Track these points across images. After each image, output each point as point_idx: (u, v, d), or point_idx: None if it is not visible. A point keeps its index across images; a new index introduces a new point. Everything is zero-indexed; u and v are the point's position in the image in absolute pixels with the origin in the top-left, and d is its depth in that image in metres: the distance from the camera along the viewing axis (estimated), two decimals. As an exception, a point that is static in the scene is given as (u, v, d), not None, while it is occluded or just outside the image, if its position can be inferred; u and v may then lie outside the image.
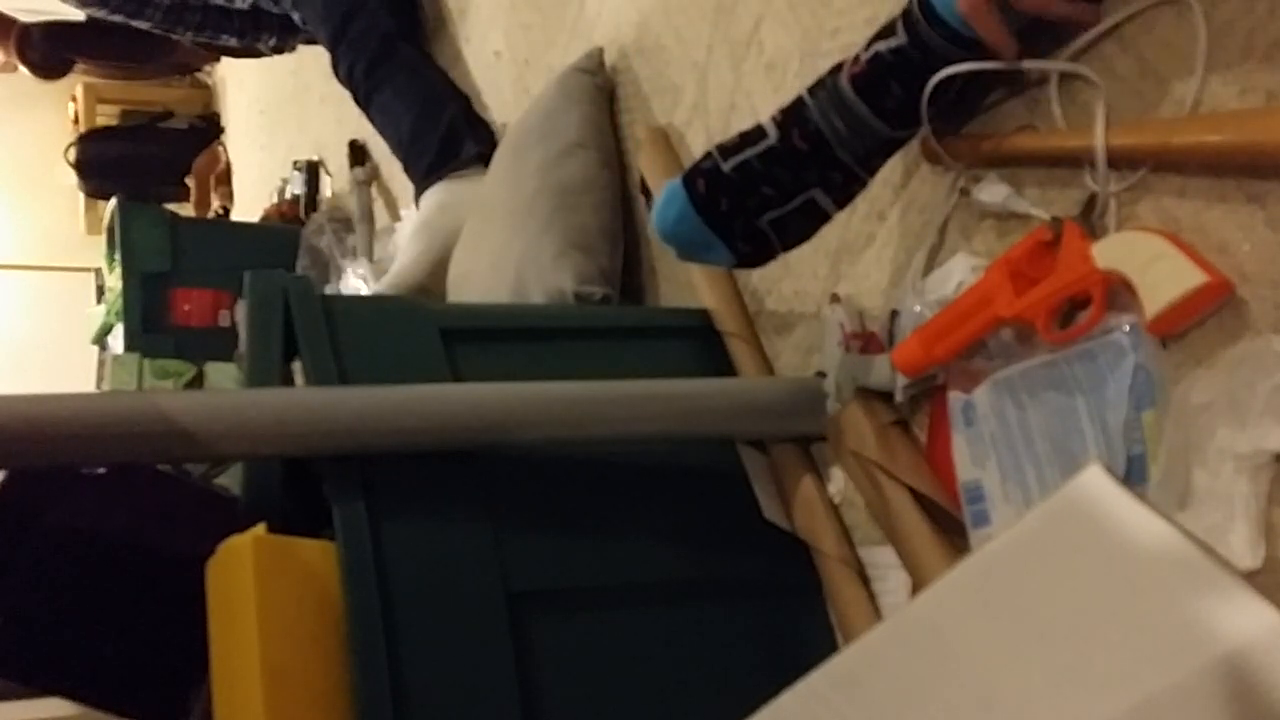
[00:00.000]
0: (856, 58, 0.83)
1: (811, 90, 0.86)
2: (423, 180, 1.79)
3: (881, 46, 0.81)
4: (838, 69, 0.84)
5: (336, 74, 1.97)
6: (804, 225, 0.91)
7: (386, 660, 0.81)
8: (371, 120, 2.00)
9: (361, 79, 1.91)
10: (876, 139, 0.84)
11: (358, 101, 1.98)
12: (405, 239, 1.97)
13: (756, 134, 0.87)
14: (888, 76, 0.82)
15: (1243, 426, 0.65)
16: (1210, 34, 0.70)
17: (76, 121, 4.46)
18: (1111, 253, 0.73)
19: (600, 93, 1.41)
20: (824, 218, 0.90)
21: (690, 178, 0.90)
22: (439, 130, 1.77)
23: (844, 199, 0.89)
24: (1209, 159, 0.70)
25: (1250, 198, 0.68)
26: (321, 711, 0.80)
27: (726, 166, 0.88)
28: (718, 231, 0.90)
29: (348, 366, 0.96)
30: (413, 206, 1.87)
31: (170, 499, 0.98)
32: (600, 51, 1.43)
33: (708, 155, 0.89)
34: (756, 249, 0.91)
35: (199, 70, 4.48)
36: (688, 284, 1.19)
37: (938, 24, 0.78)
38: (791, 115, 0.86)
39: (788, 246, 0.92)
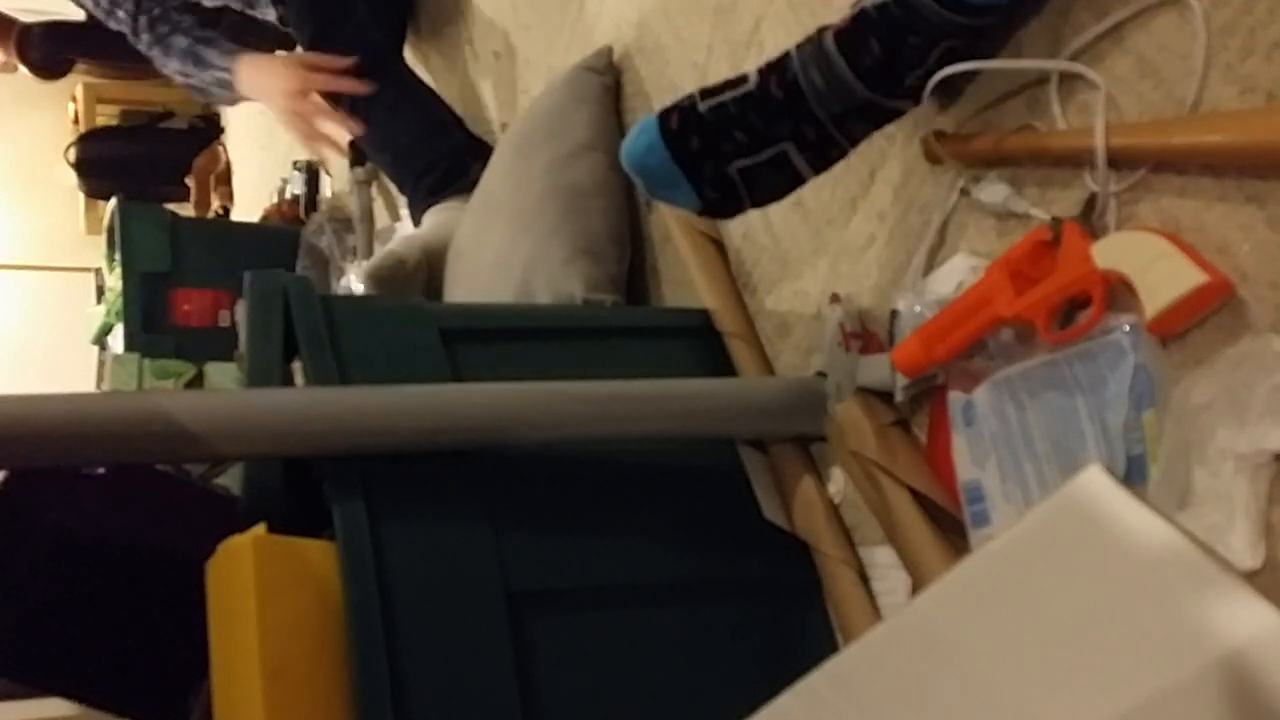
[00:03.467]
0: (845, 14, 0.83)
1: (800, 45, 0.86)
2: (425, 200, 1.76)
3: (868, 2, 0.82)
4: (827, 26, 0.84)
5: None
6: (774, 180, 0.90)
7: (386, 660, 0.81)
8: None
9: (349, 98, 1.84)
10: (852, 99, 0.84)
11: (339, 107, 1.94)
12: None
13: (739, 80, 0.87)
14: (869, 34, 0.81)
15: (1243, 426, 0.65)
16: (1210, 34, 0.70)
17: (76, 121, 4.45)
18: (1111, 253, 0.73)
19: (608, 93, 1.40)
20: (797, 178, 0.90)
21: (667, 112, 0.90)
22: (444, 153, 1.73)
23: (820, 163, 0.89)
24: (1209, 159, 0.70)
25: (1250, 198, 0.68)
26: (321, 711, 0.80)
27: (703, 107, 0.88)
28: (686, 172, 0.89)
29: (348, 366, 0.96)
30: (411, 226, 1.86)
31: (170, 499, 0.98)
32: (609, 51, 1.43)
33: (690, 94, 0.89)
34: (724, 197, 0.91)
35: (199, 70, 4.47)
36: (688, 284, 1.19)
37: None
38: (775, 65, 0.86)
39: (756, 201, 0.92)
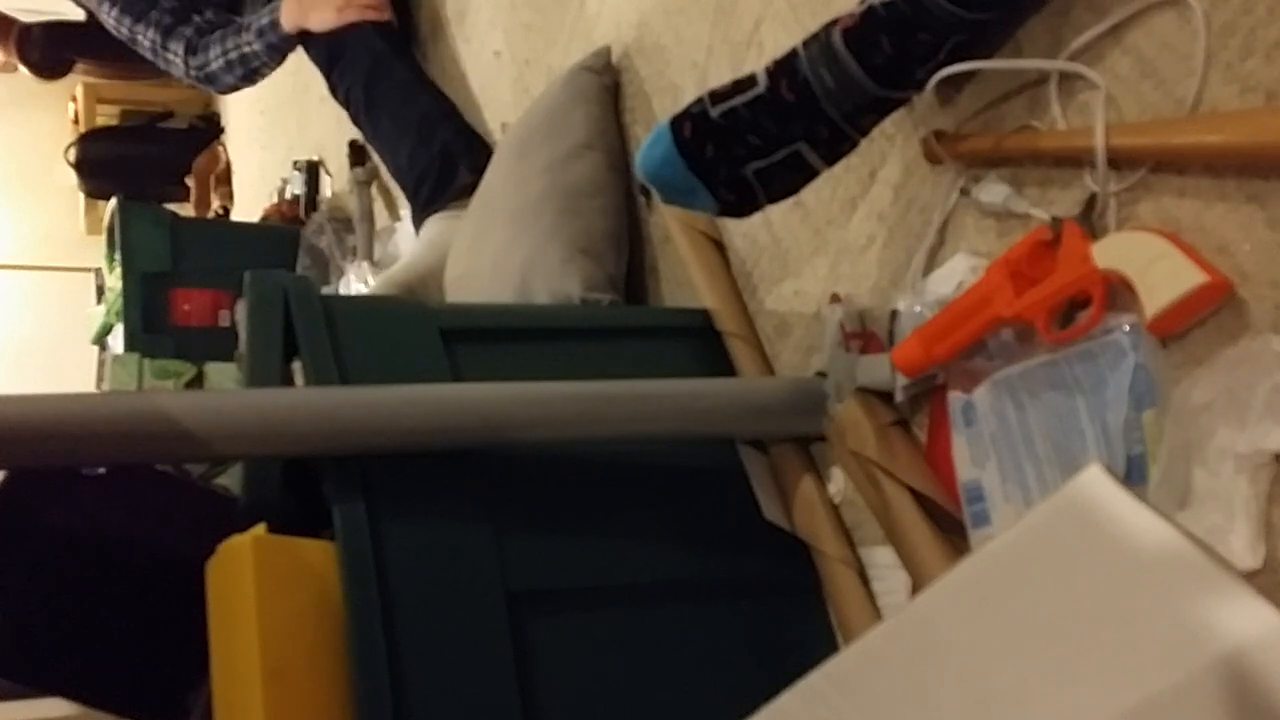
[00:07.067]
0: (852, 12, 0.83)
1: (806, 43, 0.86)
2: (422, 212, 1.80)
3: (876, 0, 0.81)
4: (833, 23, 0.84)
5: (335, 97, 1.98)
6: (789, 178, 0.90)
7: (386, 660, 0.81)
8: (371, 146, 2.01)
9: (361, 105, 1.91)
10: (864, 96, 0.84)
11: (357, 124, 1.99)
12: (406, 250, 1.97)
13: (748, 82, 0.87)
14: (879, 32, 0.81)
15: (1243, 426, 0.65)
16: (1210, 34, 0.70)
17: (76, 121, 4.46)
18: (1111, 253, 0.73)
19: (607, 93, 1.40)
20: (811, 173, 0.90)
21: (678, 121, 0.89)
22: (434, 159, 1.77)
23: (832, 156, 0.89)
24: (1209, 159, 0.70)
25: (1250, 198, 0.68)
26: (321, 711, 0.80)
27: (715, 113, 0.88)
28: (701, 178, 0.90)
29: (348, 366, 0.96)
30: (412, 226, 1.88)
31: (170, 499, 0.98)
32: (608, 50, 1.43)
33: (699, 100, 0.89)
34: (741, 198, 0.91)
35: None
36: (688, 284, 1.19)
37: None
38: (783, 66, 0.86)
39: (773, 199, 0.92)
